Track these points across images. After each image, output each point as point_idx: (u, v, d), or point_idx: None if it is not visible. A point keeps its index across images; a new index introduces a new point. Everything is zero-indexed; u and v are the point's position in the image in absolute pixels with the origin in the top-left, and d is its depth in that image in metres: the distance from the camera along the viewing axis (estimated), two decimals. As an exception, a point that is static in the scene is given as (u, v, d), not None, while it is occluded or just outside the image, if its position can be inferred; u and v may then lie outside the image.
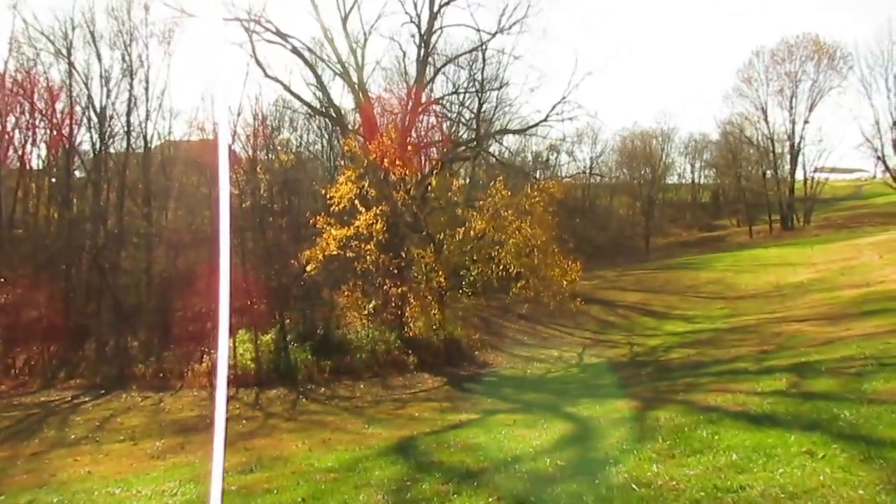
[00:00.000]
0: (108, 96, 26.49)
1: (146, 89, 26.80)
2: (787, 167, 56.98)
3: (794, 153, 56.11)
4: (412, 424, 11.34)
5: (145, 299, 25.35)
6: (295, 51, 25.06)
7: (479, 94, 25.88)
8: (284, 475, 7.40)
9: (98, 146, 27.05)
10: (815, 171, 56.75)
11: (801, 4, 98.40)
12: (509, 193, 23.06)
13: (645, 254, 53.08)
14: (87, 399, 18.57)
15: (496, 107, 28.71)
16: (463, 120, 26.63)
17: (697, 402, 8.41)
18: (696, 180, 68.57)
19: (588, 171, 51.29)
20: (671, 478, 4.70)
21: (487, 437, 8.28)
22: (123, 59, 26.41)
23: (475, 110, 25.63)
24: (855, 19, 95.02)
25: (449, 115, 26.70)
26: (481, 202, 23.21)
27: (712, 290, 33.59)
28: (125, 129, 26.86)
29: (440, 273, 21.94)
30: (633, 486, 4.58)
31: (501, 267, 22.43)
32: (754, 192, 58.01)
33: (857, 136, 62.51)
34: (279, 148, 29.28)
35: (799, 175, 57.31)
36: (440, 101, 26.73)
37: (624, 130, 59.71)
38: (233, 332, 21.56)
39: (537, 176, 31.64)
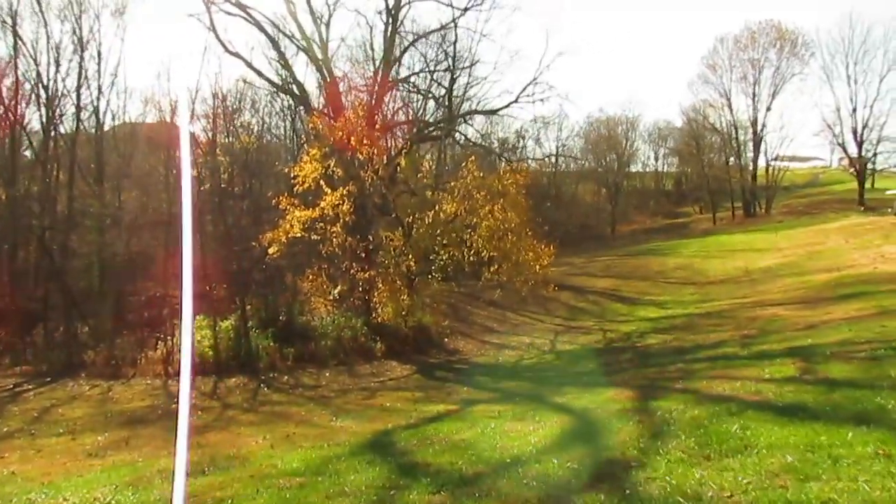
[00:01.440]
0: (57, 71, 24.63)
1: (98, 65, 25.07)
2: (750, 154, 57.44)
3: (757, 140, 56.53)
4: (385, 416, 10.35)
5: (97, 283, 23.93)
6: (256, 24, 23.58)
7: (452, 71, 24.70)
8: (242, 479, 6.28)
9: (47, 124, 25.19)
10: (775, 159, 57.34)
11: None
12: (481, 175, 22.16)
13: (611, 240, 53.04)
14: (29, 387, 17.24)
15: (466, 85, 27.58)
16: (434, 96, 25.51)
17: (702, 391, 7.64)
18: (660, 168, 68.93)
19: (555, 156, 50.55)
20: (722, 487, 3.82)
21: (474, 431, 7.34)
22: (74, 33, 24.52)
23: (447, 86, 24.50)
24: (817, 7, 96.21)
25: (420, 91, 25.53)
26: (452, 183, 22.20)
27: (681, 276, 33.44)
28: (76, 105, 25.04)
29: (410, 257, 20.90)
30: (679, 500, 3.70)
31: (473, 251, 21.54)
32: (717, 180, 58.29)
33: (816, 125, 63.22)
34: (240, 129, 27.65)
35: (760, 163, 57.96)
36: (409, 80, 25.54)
37: (590, 117, 59.27)
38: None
39: (505, 160, 30.60)
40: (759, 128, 55.99)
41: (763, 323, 17.59)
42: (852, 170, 54.09)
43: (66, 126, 26.20)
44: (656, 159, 68.08)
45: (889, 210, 42.86)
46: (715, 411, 6.16)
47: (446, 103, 24.15)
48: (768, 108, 55.17)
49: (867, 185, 54.24)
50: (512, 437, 6.54)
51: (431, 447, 6.66)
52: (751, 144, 57.18)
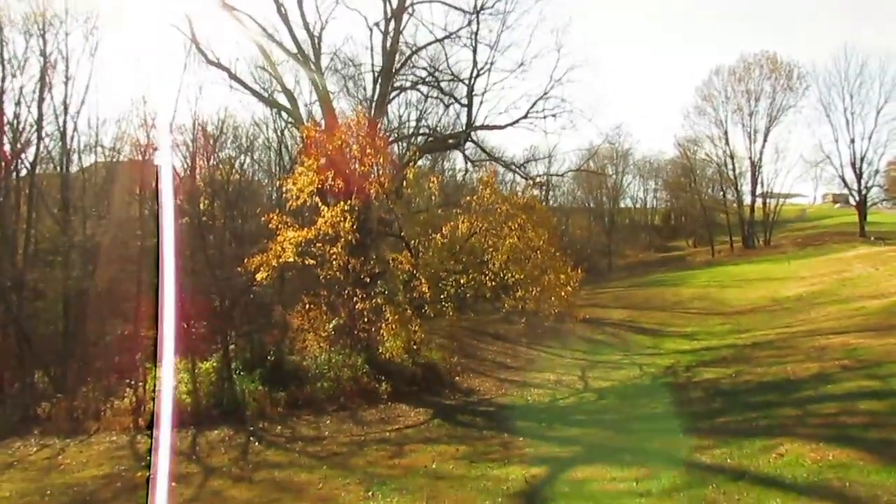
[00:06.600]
0: (21, 96, 21.01)
1: (65, 84, 21.45)
2: (746, 186, 56.14)
3: (755, 173, 55.24)
4: (443, 488, 7.21)
5: (60, 326, 20.45)
6: (245, 28, 20.86)
7: (473, 75, 22.07)
8: None
9: (10, 156, 21.51)
10: (765, 195, 56.10)
11: (761, 29, 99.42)
12: (498, 189, 19.49)
13: (608, 273, 50.99)
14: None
15: (483, 92, 24.92)
16: (456, 99, 22.90)
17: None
18: (649, 203, 67.68)
19: (548, 178, 48.00)
20: None
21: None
22: (42, 54, 21.02)
23: (468, 86, 21.90)
24: (812, 41, 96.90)
25: (444, 92, 22.90)
26: (468, 198, 19.40)
27: (702, 306, 30.94)
28: (37, 133, 21.39)
29: (423, 282, 17.82)
30: None
31: (490, 275, 18.61)
32: (710, 212, 56.87)
33: (811, 158, 61.40)
34: (221, 163, 24.65)
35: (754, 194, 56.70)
36: (418, 86, 22.91)
37: (580, 150, 57.61)
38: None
39: (522, 175, 27.94)
40: (755, 160, 54.82)
41: (842, 353, 14.90)
42: (838, 205, 52.91)
43: (27, 155, 22.45)
44: (645, 193, 66.81)
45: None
46: None
47: (466, 103, 21.59)
48: (765, 140, 54.10)
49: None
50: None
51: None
52: (746, 176, 55.89)
